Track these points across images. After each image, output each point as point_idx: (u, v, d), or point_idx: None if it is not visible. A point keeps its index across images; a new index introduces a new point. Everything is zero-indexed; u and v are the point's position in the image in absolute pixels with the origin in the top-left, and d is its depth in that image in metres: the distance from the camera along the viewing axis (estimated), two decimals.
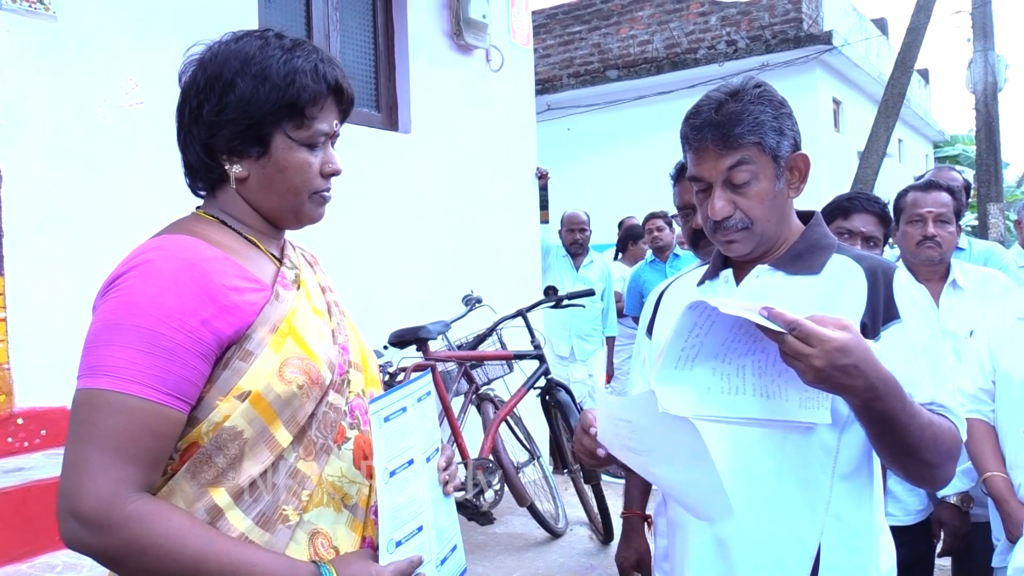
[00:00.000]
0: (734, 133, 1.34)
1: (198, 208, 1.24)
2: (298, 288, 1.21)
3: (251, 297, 1.13)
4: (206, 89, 1.15)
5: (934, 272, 2.57)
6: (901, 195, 2.66)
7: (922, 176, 3.14)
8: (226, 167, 1.18)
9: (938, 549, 2.44)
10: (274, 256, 1.23)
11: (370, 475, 1.22)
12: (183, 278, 1.07)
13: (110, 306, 1.07)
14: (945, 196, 2.57)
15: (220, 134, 1.15)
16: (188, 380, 1.07)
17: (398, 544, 1.16)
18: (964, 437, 1.31)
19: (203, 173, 1.20)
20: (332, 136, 1.22)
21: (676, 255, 5.46)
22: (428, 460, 1.27)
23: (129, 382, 1.03)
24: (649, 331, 1.63)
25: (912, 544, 2.24)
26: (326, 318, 1.25)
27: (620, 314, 5.83)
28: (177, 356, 1.05)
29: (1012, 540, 2.04)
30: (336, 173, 1.22)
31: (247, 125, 1.15)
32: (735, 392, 1.19)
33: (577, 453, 1.38)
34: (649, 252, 5.70)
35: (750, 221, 1.37)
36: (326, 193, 1.23)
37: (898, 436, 1.19)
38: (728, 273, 1.47)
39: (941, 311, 2.48)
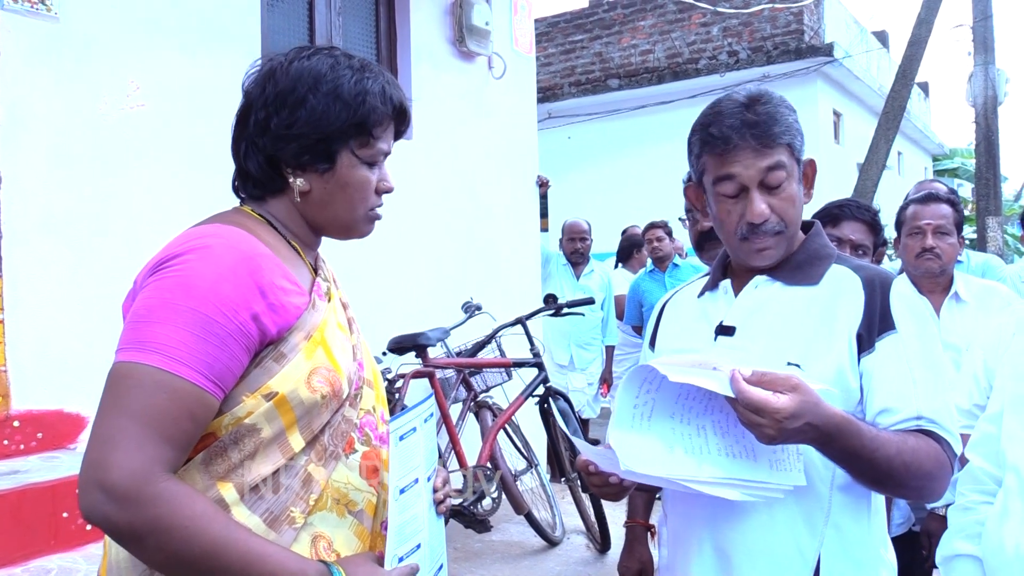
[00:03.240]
0: (773, 132, 1.32)
1: (243, 204, 1.25)
2: (329, 300, 1.24)
3: (295, 300, 1.15)
4: (276, 102, 1.18)
5: (936, 284, 2.57)
6: (902, 208, 2.68)
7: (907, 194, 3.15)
8: (290, 180, 1.20)
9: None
10: (311, 266, 1.26)
11: (377, 485, 1.25)
12: (241, 270, 1.09)
13: (167, 284, 1.07)
14: (945, 208, 2.57)
15: (288, 147, 1.18)
16: (231, 371, 1.08)
17: (400, 560, 1.20)
18: (959, 451, 1.30)
19: (262, 182, 1.22)
20: (387, 155, 1.26)
21: (675, 265, 5.45)
22: (428, 480, 1.31)
23: (179, 363, 1.04)
24: (652, 344, 1.62)
25: (897, 556, 2.23)
26: (348, 333, 1.27)
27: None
28: (227, 346, 1.06)
29: None
30: (389, 191, 1.26)
31: (316, 140, 1.17)
32: (699, 452, 1.19)
33: (600, 496, 1.37)
34: (649, 262, 5.70)
35: (784, 224, 1.36)
36: (379, 210, 1.27)
37: (863, 468, 1.22)
38: (727, 284, 1.47)
39: (942, 323, 2.48)
